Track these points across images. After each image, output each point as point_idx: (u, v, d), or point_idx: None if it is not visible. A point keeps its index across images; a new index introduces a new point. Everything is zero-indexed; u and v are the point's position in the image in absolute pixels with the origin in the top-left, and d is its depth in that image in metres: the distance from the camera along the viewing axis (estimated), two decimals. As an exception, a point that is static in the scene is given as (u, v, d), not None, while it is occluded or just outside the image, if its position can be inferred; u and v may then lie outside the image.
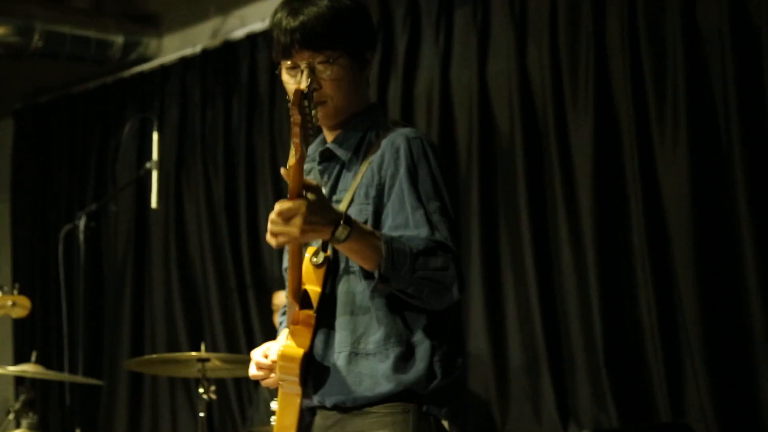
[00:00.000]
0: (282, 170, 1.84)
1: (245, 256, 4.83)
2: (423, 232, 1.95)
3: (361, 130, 2.11)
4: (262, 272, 4.73)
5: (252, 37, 4.94)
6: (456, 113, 4.11)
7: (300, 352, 1.99)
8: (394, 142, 2.05)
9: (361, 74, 2.13)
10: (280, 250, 2.11)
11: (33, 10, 5.13)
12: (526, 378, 3.83)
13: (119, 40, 5.38)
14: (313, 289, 2.03)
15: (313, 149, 2.16)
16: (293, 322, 2.02)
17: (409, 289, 1.92)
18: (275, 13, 2.08)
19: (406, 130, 2.08)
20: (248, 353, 5.01)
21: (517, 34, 3.91)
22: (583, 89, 3.71)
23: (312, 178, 2.12)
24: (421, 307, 1.98)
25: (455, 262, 1.93)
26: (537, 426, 3.77)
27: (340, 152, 2.11)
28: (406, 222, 1.97)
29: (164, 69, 5.39)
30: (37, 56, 5.25)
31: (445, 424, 1.99)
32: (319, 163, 2.14)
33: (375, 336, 1.99)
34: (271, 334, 4.31)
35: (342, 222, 1.85)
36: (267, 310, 4.60)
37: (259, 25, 4.91)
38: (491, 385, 3.89)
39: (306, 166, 2.11)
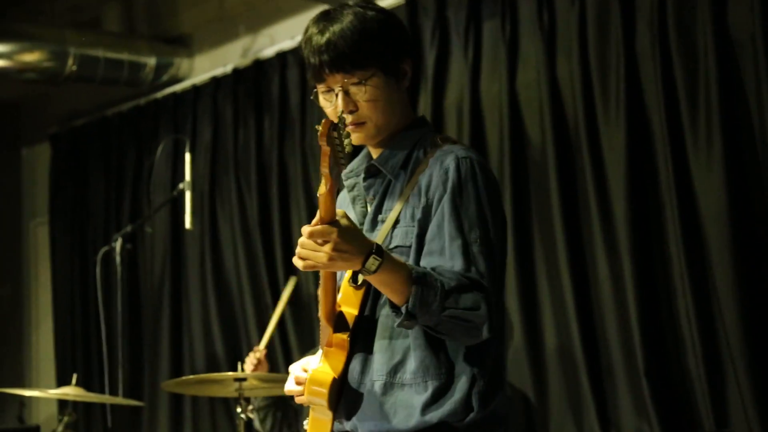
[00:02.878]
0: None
1: (280, 273, 4.85)
2: (458, 265, 1.88)
3: (406, 148, 2.04)
4: (297, 289, 4.74)
5: (282, 55, 4.97)
6: (486, 126, 4.10)
7: (330, 377, 1.95)
8: (443, 161, 1.96)
9: (399, 87, 2.05)
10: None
11: (67, 35, 5.20)
12: (565, 388, 3.80)
13: (151, 61, 5.44)
14: (350, 311, 1.98)
15: (358, 163, 2.10)
16: (327, 344, 1.98)
17: (438, 327, 1.86)
18: (306, 29, 2.02)
19: (456, 148, 2.00)
20: (286, 371, 5.03)
21: (546, 45, 3.89)
22: (614, 98, 3.68)
23: (356, 193, 2.08)
24: None
25: (487, 302, 1.86)
26: (578, 437, 3.75)
27: (385, 169, 2.03)
28: (441, 250, 1.90)
29: (196, 89, 5.43)
30: (71, 80, 5.31)
31: None
32: (365, 179, 2.07)
33: (412, 365, 1.93)
34: (308, 350, 4.32)
35: (373, 253, 1.79)
36: (303, 327, 4.61)
37: (288, 43, 4.93)
38: (530, 394, 3.87)
39: (350, 181, 2.09)
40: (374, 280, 1.85)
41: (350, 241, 1.78)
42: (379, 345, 1.97)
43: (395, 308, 1.87)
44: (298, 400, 2.06)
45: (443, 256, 1.89)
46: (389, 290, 1.85)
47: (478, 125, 4.11)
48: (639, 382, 3.55)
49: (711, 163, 3.40)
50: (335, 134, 1.72)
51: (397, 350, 1.94)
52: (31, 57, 5.10)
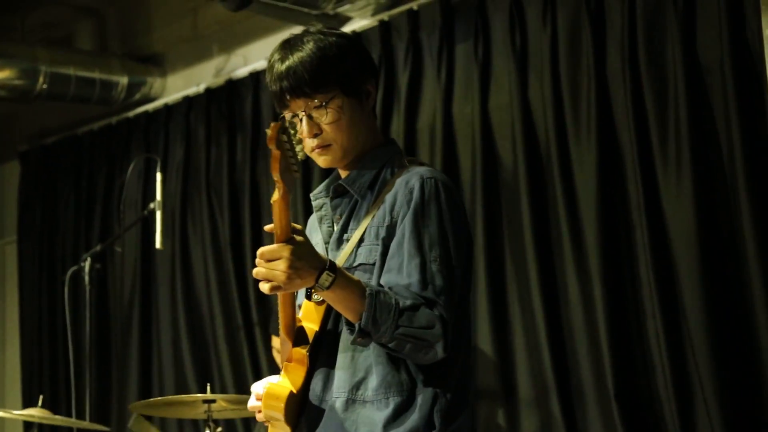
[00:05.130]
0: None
1: (251, 294, 4.82)
2: (414, 283, 1.90)
3: (375, 168, 2.07)
4: (268, 310, 4.71)
5: (255, 75, 4.96)
6: (459, 148, 4.11)
7: (286, 391, 1.96)
8: (409, 181, 2.00)
9: (363, 108, 2.08)
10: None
11: (38, 52, 5.17)
12: (536, 411, 3.79)
13: (123, 80, 5.41)
14: (310, 326, 2.00)
15: (326, 184, 2.13)
16: (287, 359, 2.00)
17: (391, 344, 1.88)
18: (269, 58, 2.06)
19: (422, 169, 2.04)
20: (256, 392, 4.96)
21: (518, 68, 3.92)
22: (585, 121, 3.71)
23: (323, 213, 2.11)
24: None
25: (442, 321, 1.89)
26: (548, 460, 3.74)
27: (353, 189, 2.06)
28: (399, 268, 1.93)
29: (168, 108, 5.41)
30: (42, 98, 5.27)
31: None
32: (332, 199, 2.10)
33: (374, 382, 1.95)
34: (278, 371, 4.29)
35: (326, 269, 1.82)
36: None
37: (261, 63, 4.92)
38: (501, 417, 3.86)
39: (318, 202, 2.13)
40: (328, 297, 1.88)
41: (303, 257, 1.80)
42: (342, 361, 1.98)
43: (350, 325, 1.90)
44: (258, 417, 2.06)
45: (401, 274, 1.92)
46: (343, 307, 1.88)
47: (451, 147, 4.12)
48: (609, 405, 3.55)
49: (680, 186, 3.43)
50: (284, 137, 1.71)
51: (359, 367, 1.96)
52: (1, 74, 5.06)
